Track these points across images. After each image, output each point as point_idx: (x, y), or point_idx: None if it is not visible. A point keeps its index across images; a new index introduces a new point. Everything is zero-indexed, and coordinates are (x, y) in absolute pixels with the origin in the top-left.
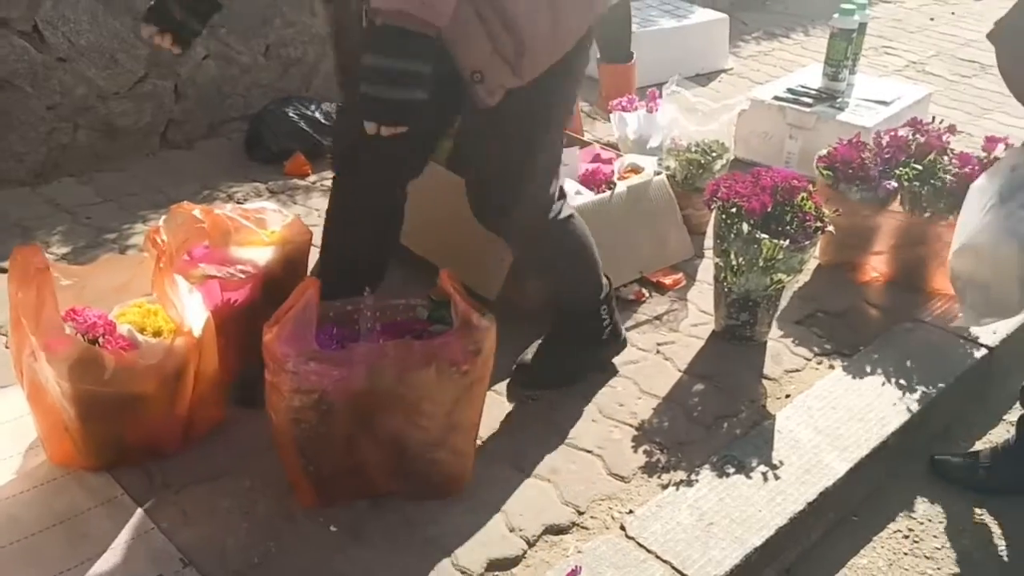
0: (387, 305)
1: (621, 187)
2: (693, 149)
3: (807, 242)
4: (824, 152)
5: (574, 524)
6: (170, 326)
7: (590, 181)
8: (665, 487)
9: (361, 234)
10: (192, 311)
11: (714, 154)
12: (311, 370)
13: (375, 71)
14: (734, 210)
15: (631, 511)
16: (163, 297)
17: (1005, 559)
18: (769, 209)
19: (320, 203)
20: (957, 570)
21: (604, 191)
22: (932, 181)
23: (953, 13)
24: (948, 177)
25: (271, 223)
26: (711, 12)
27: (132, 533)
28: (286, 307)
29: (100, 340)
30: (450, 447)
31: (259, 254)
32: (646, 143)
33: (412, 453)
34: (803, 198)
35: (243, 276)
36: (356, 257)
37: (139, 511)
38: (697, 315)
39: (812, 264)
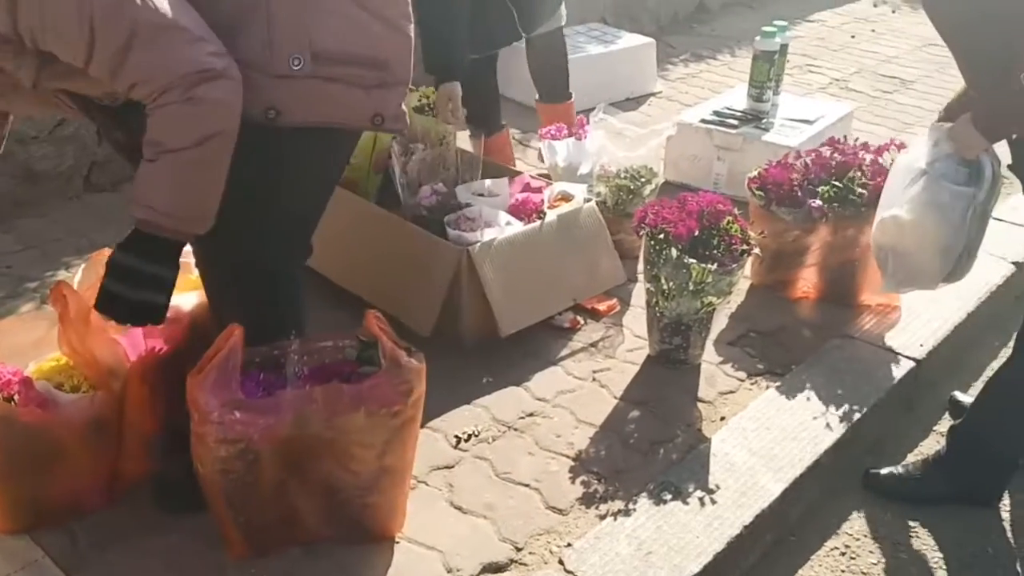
0: (315, 348)
1: (551, 216)
2: (622, 175)
3: (734, 265)
4: (754, 173)
5: (512, 561)
6: (89, 380)
7: (520, 211)
8: (603, 517)
9: None
10: (111, 362)
11: (643, 179)
12: (237, 419)
13: (123, 270)
14: (662, 236)
15: (569, 544)
16: (73, 354)
17: (940, 570)
18: (696, 234)
19: None
20: None
21: (535, 220)
22: (851, 197)
23: (873, 31)
24: (863, 183)
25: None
26: (638, 37)
27: None
28: (210, 354)
29: (15, 398)
30: (383, 490)
31: (184, 299)
32: (576, 170)
33: (344, 498)
34: (728, 222)
35: (167, 323)
36: None
37: (62, 575)
38: (633, 340)
39: (745, 284)
